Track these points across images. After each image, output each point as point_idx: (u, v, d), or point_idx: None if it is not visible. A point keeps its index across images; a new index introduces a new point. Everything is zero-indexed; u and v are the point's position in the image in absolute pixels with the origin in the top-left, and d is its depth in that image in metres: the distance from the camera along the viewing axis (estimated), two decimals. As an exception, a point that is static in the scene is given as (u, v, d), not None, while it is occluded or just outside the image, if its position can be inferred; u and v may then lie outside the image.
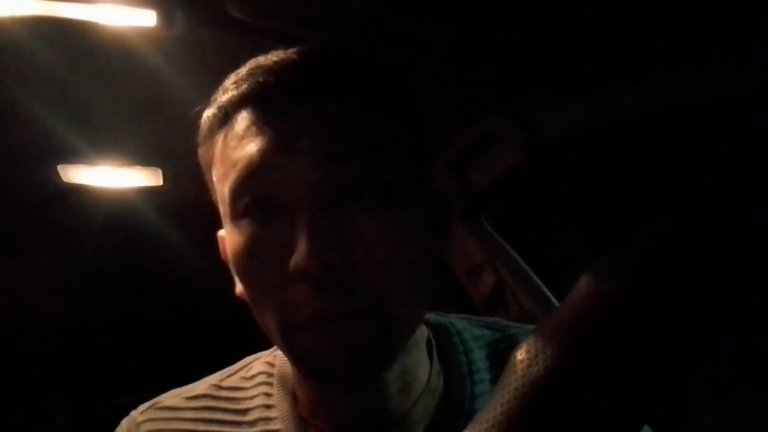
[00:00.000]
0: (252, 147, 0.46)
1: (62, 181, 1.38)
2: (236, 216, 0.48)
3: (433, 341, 0.56)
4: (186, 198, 1.36)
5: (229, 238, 0.50)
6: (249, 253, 0.47)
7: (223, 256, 0.53)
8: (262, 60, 0.50)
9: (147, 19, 0.82)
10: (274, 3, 0.77)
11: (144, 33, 0.86)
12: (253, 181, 0.46)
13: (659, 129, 0.90)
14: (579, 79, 0.88)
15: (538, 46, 0.81)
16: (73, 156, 1.28)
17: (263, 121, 0.47)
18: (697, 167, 0.89)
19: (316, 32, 0.80)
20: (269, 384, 0.56)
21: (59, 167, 1.33)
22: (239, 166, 0.47)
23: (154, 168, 1.37)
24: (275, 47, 0.52)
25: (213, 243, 0.56)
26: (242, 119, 0.48)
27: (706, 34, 0.72)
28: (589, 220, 1.21)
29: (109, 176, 1.39)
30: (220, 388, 0.58)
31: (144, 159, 1.33)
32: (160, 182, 1.42)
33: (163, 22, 0.82)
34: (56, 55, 0.93)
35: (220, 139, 0.50)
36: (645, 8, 0.69)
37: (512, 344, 0.55)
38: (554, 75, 0.89)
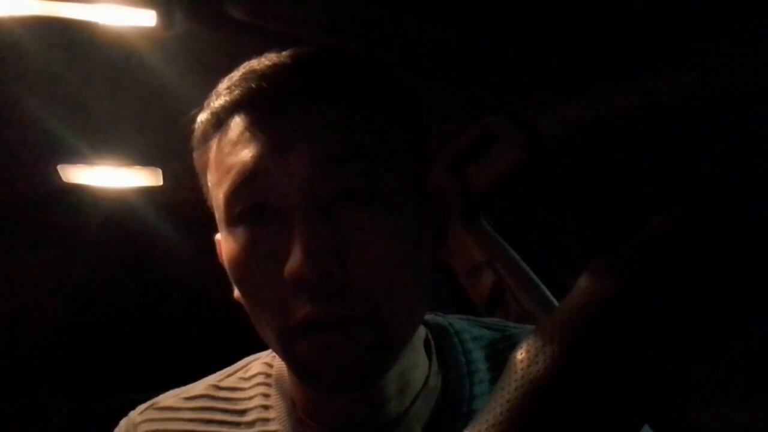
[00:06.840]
0: (246, 153, 0.46)
1: (62, 181, 1.39)
2: (231, 222, 0.47)
3: (432, 342, 0.56)
4: (186, 198, 1.36)
5: (224, 244, 0.49)
6: (244, 260, 0.47)
7: (220, 260, 0.53)
8: (255, 64, 0.49)
9: (147, 19, 0.82)
10: (272, 3, 0.77)
11: (144, 33, 0.86)
12: (247, 188, 0.46)
13: (658, 128, 0.90)
14: (578, 79, 0.88)
15: (537, 45, 0.81)
16: (73, 156, 1.28)
17: (256, 127, 0.46)
18: (697, 166, 0.89)
19: (315, 32, 0.80)
20: (267, 384, 0.56)
21: (59, 167, 1.33)
22: (233, 172, 0.46)
23: (154, 168, 1.37)
24: (274, 47, 0.51)
25: (212, 243, 0.56)
26: (236, 125, 0.47)
27: (706, 34, 0.72)
28: (589, 220, 1.21)
29: (109, 176, 1.39)
30: (218, 388, 0.58)
31: (144, 159, 1.33)
32: (160, 182, 1.42)
33: (163, 22, 0.82)
34: (56, 55, 0.93)
35: (214, 144, 0.49)
36: (644, 8, 0.69)
37: (512, 344, 0.55)
38: (554, 75, 0.89)
